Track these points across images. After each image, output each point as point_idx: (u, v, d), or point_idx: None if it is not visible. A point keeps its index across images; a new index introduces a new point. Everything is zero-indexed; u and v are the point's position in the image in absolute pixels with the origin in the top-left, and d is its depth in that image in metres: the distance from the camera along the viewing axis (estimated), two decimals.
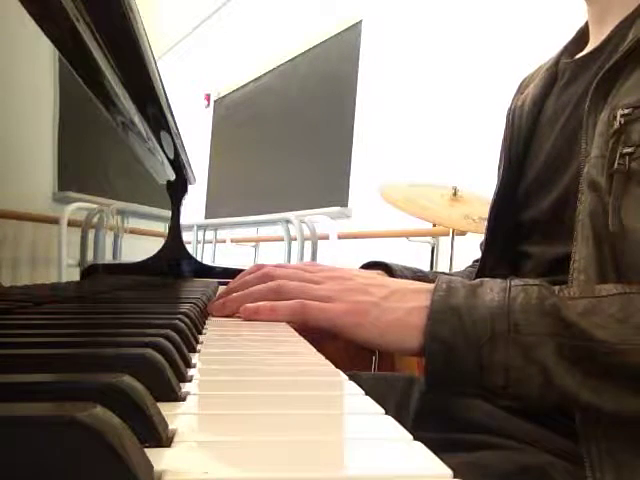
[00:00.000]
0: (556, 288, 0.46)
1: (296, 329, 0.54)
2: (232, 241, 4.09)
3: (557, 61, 0.67)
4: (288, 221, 2.93)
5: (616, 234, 0.48)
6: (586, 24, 0.67)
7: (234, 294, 0.59)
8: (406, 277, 0.72)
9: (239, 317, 0.57)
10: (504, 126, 0.71)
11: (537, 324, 0.44)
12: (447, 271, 2.21)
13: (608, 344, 0.42)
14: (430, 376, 0.46)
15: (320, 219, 3.01)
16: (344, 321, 0.49)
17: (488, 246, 0.70)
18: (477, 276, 0.72)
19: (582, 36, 0.67)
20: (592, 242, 0.50)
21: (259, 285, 0.57)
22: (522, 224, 0.65)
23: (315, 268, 0.59)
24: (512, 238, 0.67)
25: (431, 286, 0.49)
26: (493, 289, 0.47)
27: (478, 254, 0.76)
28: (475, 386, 0.46)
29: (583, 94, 0.58)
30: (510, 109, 0.71)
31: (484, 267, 0.71)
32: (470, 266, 0.85)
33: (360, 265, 0.76)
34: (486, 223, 0.72)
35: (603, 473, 0.44)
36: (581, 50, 0.66)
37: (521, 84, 0.76)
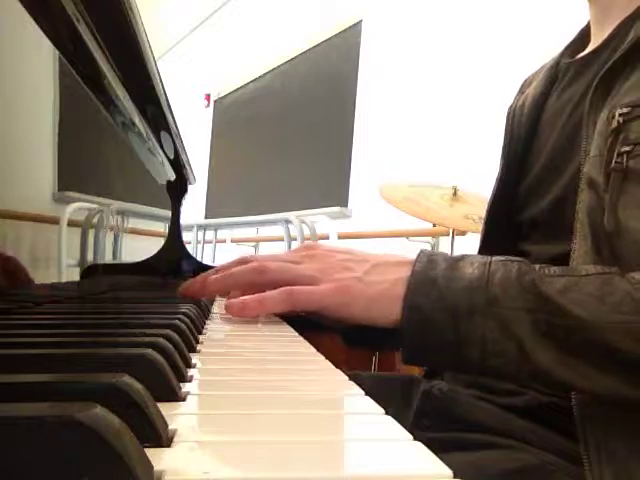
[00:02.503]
0: (536, 266, 0.46)
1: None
2: (232, 241, 4.09)
3: (558, 61, 0.67)
4: (288, 221, 2.93)
5: (612, 232, 0.48)
6: (588, 24, 0.67)
7: (214, 275, 0.57)
8: None
9: (231, 316, 0.57)
10: (504, 126, 0.71)
11: (515, 298, 0.44)
12: None
13: (584, 321, 0.42)
14: (407, 347, 0.46)
15: (320, 219, 3.01)
16: (331, 301, 0.49)
17: (485, 244, 0.71)
18: None
19: (583, 36, 0.68)
20: (590, 239, 0.50)
21: (239, 266, 0.55)
22: (522, 223, 0.65)
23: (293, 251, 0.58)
24: (511, 237, 0.67)
25: (409, 258, 0.49)
26: (473, 263, 0.47)
27: None
28: (451, 359, 0.45)
29: (584, 94, 0.58)
30: (510, 109, 0.71)
31: None
32: None
33: None
34: (483, 221, 0.72)
35: (602, 470, 0.44)
36: (582, 50, 0.66)
37: (523, 84, 0.76)
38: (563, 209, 0.57)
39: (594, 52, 0.61)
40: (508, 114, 0.71)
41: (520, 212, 0.66)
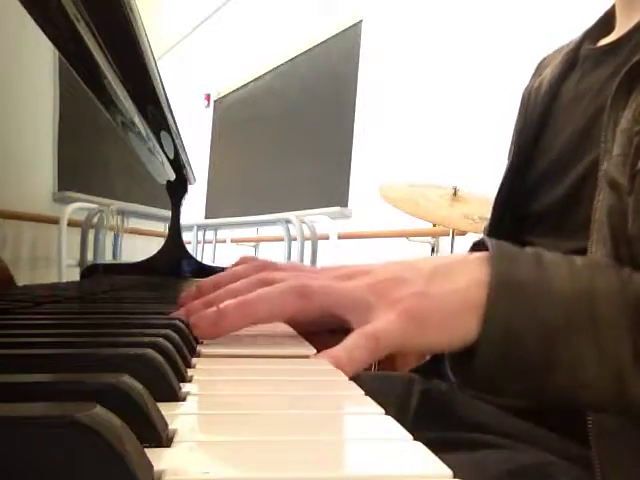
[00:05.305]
0: (625, 270, 0.40)
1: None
2: (232, 241, 4.09)
3: (579, 46, 0.64)
4: (288, 221, 2.93)
5: (634, 236, 0.45)
6: (613, 7, 0.63)
7: (231, 303, 0.40)
8: None
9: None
10: (517, 109, 0.67)
11: (619, 316, 0.37)
12: None
13: None
14: (480, 368, 0.37)
15: (320, 219, 3.01)
16: (405, 334, 0.37)
17: (491, 234, 0.68)
18: None
19: (607, 20, 0.63)
20: (610, 242, 0.47)
21: (270, 288, 0.40)
22: (530, 214, 0.63)
23: (305, 268, 0.47)
24: (518, 227, 0.64)
25: (478, 254, 0.40)
26: (561, 265, 0.39)
27: None
28: (533, 386, 0.38)
29: (604, 85, 0.55)
30: (526, 91, 0.67)
31: None
32: None
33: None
34: (491, 209, 0.68)
35: (607, 476, 0.44)
36: (605, 36, 0.62)
37: (539, 66, 0.72)
38: (575, 204, 0.55)
39: (619, 41, 0.58)
40: (523, 96, 0.67)
41: (528, 202, 0.63)
